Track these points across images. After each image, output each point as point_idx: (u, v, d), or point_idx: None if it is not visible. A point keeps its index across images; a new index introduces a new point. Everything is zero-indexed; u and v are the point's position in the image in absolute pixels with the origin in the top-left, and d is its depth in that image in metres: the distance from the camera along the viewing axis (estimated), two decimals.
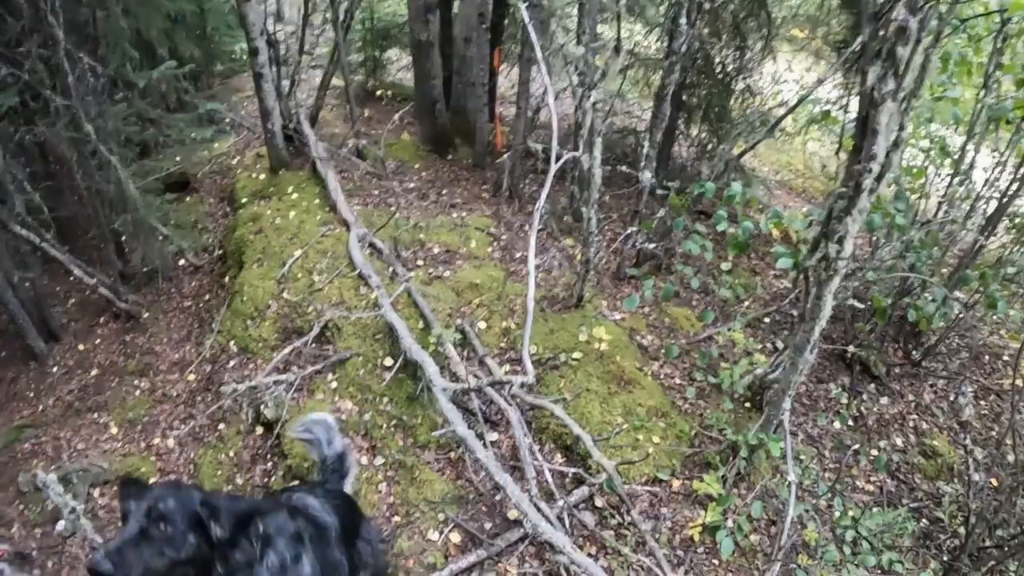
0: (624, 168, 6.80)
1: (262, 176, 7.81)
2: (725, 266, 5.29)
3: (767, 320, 6.15)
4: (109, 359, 6.47)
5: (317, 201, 6.99)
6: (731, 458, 4.53)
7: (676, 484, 4.55)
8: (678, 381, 5.32)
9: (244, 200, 7.46)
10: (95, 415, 5.87)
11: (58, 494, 3.76)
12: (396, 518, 4.35)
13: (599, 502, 4.36)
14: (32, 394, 6.24)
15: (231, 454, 5.15)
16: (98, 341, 6.69)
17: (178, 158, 8.08)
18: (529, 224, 6.55)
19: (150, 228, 6.35)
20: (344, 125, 8.95)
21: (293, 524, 2.89)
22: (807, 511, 4.32)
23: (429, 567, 4.03)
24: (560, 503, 4.19)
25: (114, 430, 5.72)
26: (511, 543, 4.11)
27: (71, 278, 6.84)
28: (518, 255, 6.48)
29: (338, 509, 3.34)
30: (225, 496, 2.73)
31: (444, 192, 7.66)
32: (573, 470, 4.43)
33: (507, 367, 5.15)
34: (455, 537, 4.21)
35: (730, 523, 4.23)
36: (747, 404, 5.08)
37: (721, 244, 5.84)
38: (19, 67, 5.44)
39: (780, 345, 5.50)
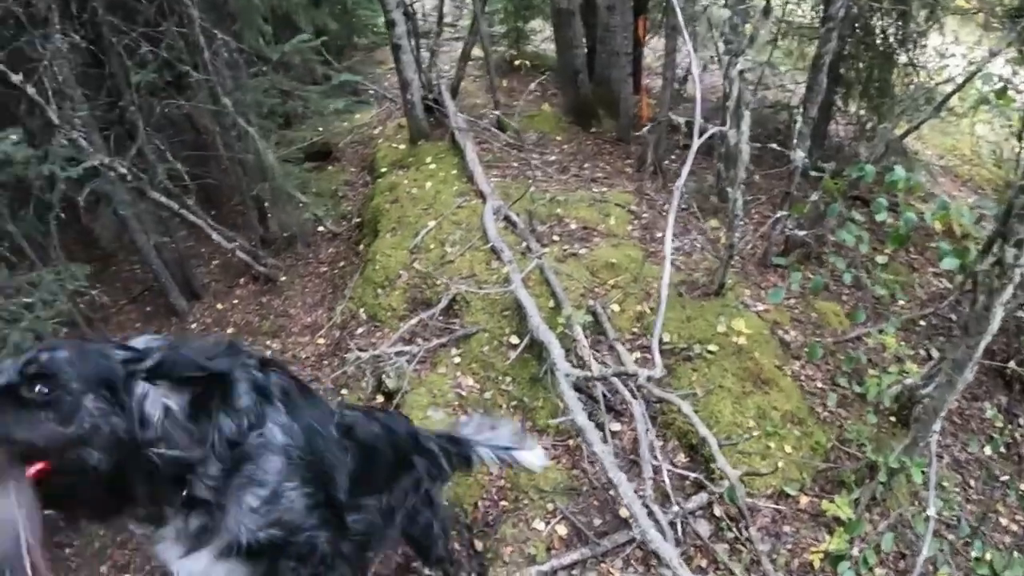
0: (774, 146, 6.20)
1: (402, 146, 7.75)
2: (881, 260, 4.62)
3: (923, 323, 5.47)
4: (245, 319, 6.60)
5: (454, 172, 6.82)
6: (868, 479, 3.97)
7: (803, 501, 4.05)
8: (819, 385, 4.79)
9: (383, 169, 7.42)
10: None
11: None
12: (503, 503, 4.11)
13: (717, 511, 3.94)
14: None
15: None
16: (236, 301, 6.83)
17: (320, 128, 8.15)
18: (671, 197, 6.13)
19: (288, 196, 6.42)
20: (485, 96, 8.75)
21: None
22: (941, 550, 3.69)
23: (529, 558, 3.77)
24: (675, 509, 3.83)
25: None
26: (618, 544, 3.78)
27: (215, 241, 7.01)
28: (659, 235, 6.04)
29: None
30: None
31: (585, 165, 7.32)
32: (693, 475, 4.04)
33: (637, 354, 4.77)
34: (561, 530, 3.92)
35: (856, 552, 3.70)
36: (892, 418, 4.50)
37: (878, 235, 5.18)
38: (157, 45, 5.61)
39: (935, 353, 4.88)
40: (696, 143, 4.33)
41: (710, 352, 4.66)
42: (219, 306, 6.82)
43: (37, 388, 1.55)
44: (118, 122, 6.00)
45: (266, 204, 7.06)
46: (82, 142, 5.31)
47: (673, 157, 7.40)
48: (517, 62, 9.74)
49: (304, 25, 7.22)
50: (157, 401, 1.68)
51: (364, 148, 8.47)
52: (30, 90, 5.03)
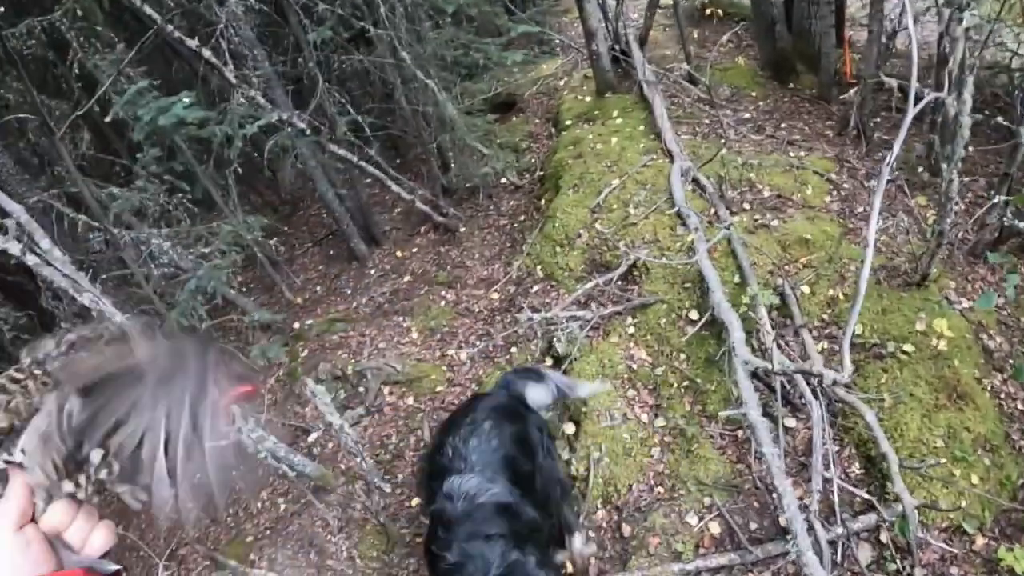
0: (1000, 119, 5.36)
1: (587, 99, 7.55)
2: None
3: None
4: (423, 267, 6.73)
5: (642, 128, 6.55)
6: None
7: (979, 542, 3.58)
8: (1020, 406, 4.17)
9: (568, 122, 7.26)
10: (400, 318, 6.15)
11: (324, 403, 3.85)
12: (659, 489, 3.97)
13: (884, 536, 3.58)
14: (349, 291, 6.73)
15: None
16: (415, 250, 6.98)
17: (505, 80, 8.07)
18: (876, 177, 5.53)
19: (470, 147, 6.43)
20: (676, 47, 8.32)
21: None
22: None
23: (675, 554, 3.62)
24: (839, 528, 3.53)
25: (415, 335, 5.95)
26: (771, 556, 3.56)
27: (405, 187, 7.15)
28: (859, 210, 5.50)
29: None
30: None
31: (782, 126, 6.79)
32: (864, 495, 3.68)
33: (824, 344, 4.39)
34: (714, 527, 3.74)
35: None
36: None
37: None
38: (333, 3, 5.72)
39: None
40: (911, 111, 3.81)
41: (904, 353, 4.19)
42: (399, 253, 6.99)
43: None
44: (301, 78, 6.19)
45: (449, 154, 7.11)
46: (260, 99, 5.57)
47: (879, 119, 6.71)
48: (709, 11, 9.16)
49: None
50: None
51: (549, 99, 8.33)
52: (206, 53, 5.29)
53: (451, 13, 6.13)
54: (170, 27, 5.32)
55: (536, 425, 3.65)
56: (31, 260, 3.40)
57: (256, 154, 6.34)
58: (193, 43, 5.34)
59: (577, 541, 3.72)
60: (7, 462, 0.83)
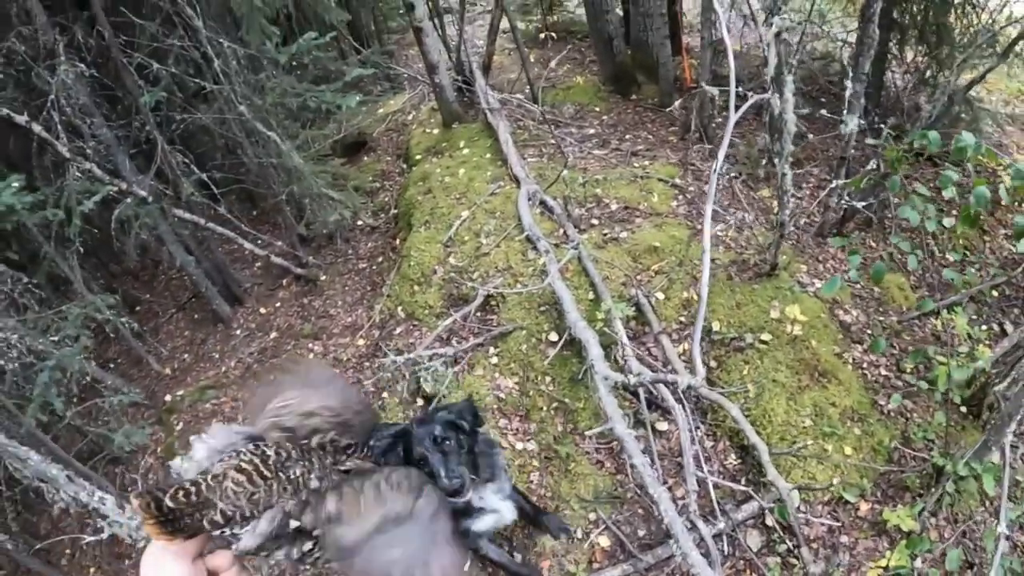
0: (826, 112, 5.65)
1: (435, 131, 7.54)
2: (948, 222, 4.08)
3: (995, 293, 4.98)
4: (288, 322, 6.54)
5: (488, 155, 6.56)
6: (934, 485, 3.62)
7: (863, 508, 3.73)
8: (883, 372, 4.39)
9: (417, 157, 7.23)
10: (271, 377, 5.90)
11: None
12: None
13: (769, 520, 3.67)
14: (217, 355, 6.47)
15: None
16: (278, 304, 6.78)
17: (353, 121, 7.96)
18: (723, 179, 5.71)
19: (319, 194, 6.27)
20: (521, 70, 8.43)
21: None
22: (1014, 571, 3.26)
23: (568, 574, 3.59)
24: (721, 524, 3.60)
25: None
26: (662, 559, 3.60)
27: (259, 242, 6.93)
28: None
29: None
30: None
31: (627, 137, 6.95)
32: (741, 488, 3.76)
33: (685, 346, 4.47)
34: (604, 541, 3.75)
35: (919, 564, 3.38)
36: (963, 408, 4.05)
37: (947, 202, 4.73)
38: (164, 61, 5.56)
39: (1009, 328, 4.44)
40: (733, 116, 3.95)
41: (763, 342, 4.34)
42: (262, 310, 6.77)
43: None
44: (141, 142, 5.98)
45: (305, 202, 6.96)
46: (97, 171, 5.36)
47: (720, 120, 6.96)
48: (544, 34, 9.33)
49: (329, 19, 7.04)
50: None
51: (399, 135, 8.29)
52: (36, 128, 5.04)
53: (282, 63, 5.99)
54: None
55: None
56: None
57: (105, 226, 6.04)
58: (22, 119, 5.05)
59: None
60: None
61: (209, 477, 1.13)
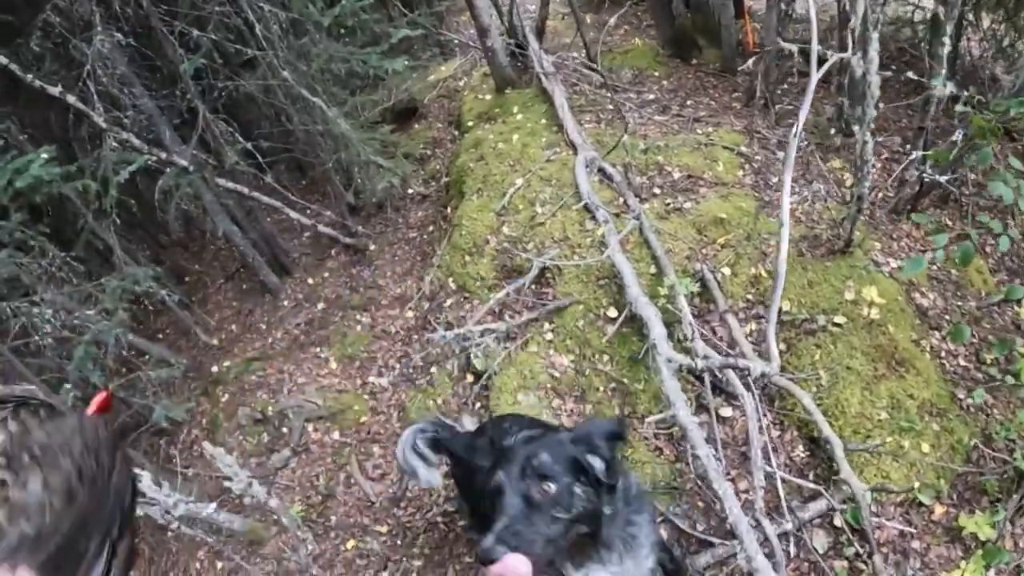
0: (911, 74, 5.22)
1: (487, 97, 7.29)
2: None
3: None
4: (335, 292, 6.44)
5: (543, 121, 6.29)
6: (1014, 491, 3.30)
7: (938, 512, 3.41)
8: (961, 363, 4.02)
9: (469, 123, 7.00)
10: (317, 349, 5.88)
11: (227, 465, 3.55)
12: None
13: (838, 520, 3.40)
14: (264, 326, 6.41)
15: (439, 400, 4.82)
16: (327, 275, 6.69)
17: (403, 86, 7.76)
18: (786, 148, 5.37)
19: (368, 162, 6.10)
20: (575, 34, 8.11)
21: None
22: None
23: None
24: (788, 524, 3.35)
25: (333, 365, 5.69)
26: (722, 558, 3.38)
27: (307, 211, 6.81)
28: (773, 180, 5.32)
29: None
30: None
31: (688, 103, 6.60)
32: (810, 484, 3.49)
33: (752, 326, 4.19)
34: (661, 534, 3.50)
35: None
36: None
37: None
38: (204, 29, 5.43)
39: None
40: (815, 76, 3.65)
41: (836, 325, 4.02)
42: (310, 280, 6.68)
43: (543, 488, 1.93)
44: (184, 112, 5.88)
45: (355, 170, 6.81)
46: (135, 141, 5.29)
47: (785, 87, 6.58)
48: None
49: None
50: None
51: (451, 101, 8.08)
52: (70, 99, 4.96)
53: (329, 25, 5.80)
54: (29, 76, 4.93)
55: None
56: None
57: (150, 197, 6.00)
58: (56, 90, 4.99)
59: None
60: None
61: None
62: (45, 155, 4.54)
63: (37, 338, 4.87)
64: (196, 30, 5.38)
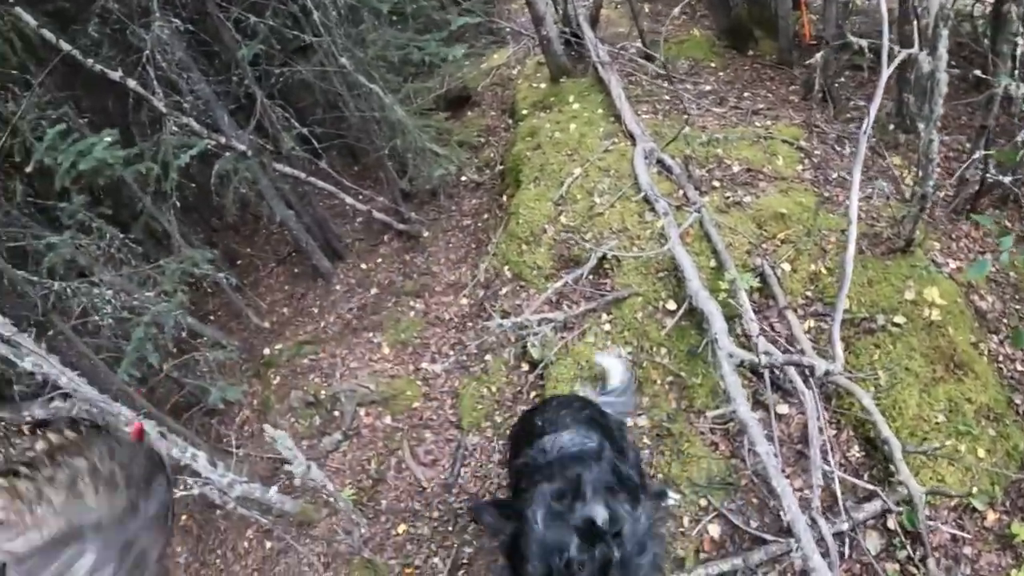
0: (978, 72, 5.07)
1: (542, 86, 7.27)
2: None
3: None
4: (388, 278, 6.48)
5: (600, 111, 6.28)
6: None
7: (991, 518, 3.40)
8: (1020, 368, 3.97)
9: (524, 112, 6.99)
10: (370, 334, 5.91)
11: (287, 448, 3.61)
12: None
13: (891, 523, 3.39)
14: (316, 310, 6.48)
15: (494, 389, 4.87)
16: (380, 260, 6.73)
17: (457, 74, 7.77)
18: (850, 143, 5.28)
19: (422, 149, 6.12)
20: (630, 24, 8.04)
21: None
22: None
23: (676, 562, 3.41)
24: (844, 523, 3.35)
25: (386, 350, 5.72)
26: (775, 556, 3.37)
27: (360, 197, 6.87)
28: (833, 176, 5.26)
29: None
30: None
31: (745, 95, 6.54)
32: (868, 484, 3.49)
33: (811, 323, 4.17)
34: (713, 530, 3.55)
35: None
36: None
37: None
38: (261, 15, 5.46)
39: None
40: (886, 71, 3.60)
41: (896, 325, 4.00)
42: (363, 266, 6.73)
43: None
44: (240, 97, 5.95)
45: (409, 156, 6.85)
46: (194, 125, 5.35)
47: (843, 80, 6.48)
48: None
49: None
50: None
51: (504, 90, 8.06)
52: (131, 83, 5.04)
53: (387, 12, 5.83)
54: (90, 61, 5.02)
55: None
56: None
57: (205, 181, 6.09)
58: (116, 75, 5.07)
59: None
60: None
61: None
62: (108, 138, 4.64)
63: (97, 318, 4.97)
64: (252, 16, 5.43)
